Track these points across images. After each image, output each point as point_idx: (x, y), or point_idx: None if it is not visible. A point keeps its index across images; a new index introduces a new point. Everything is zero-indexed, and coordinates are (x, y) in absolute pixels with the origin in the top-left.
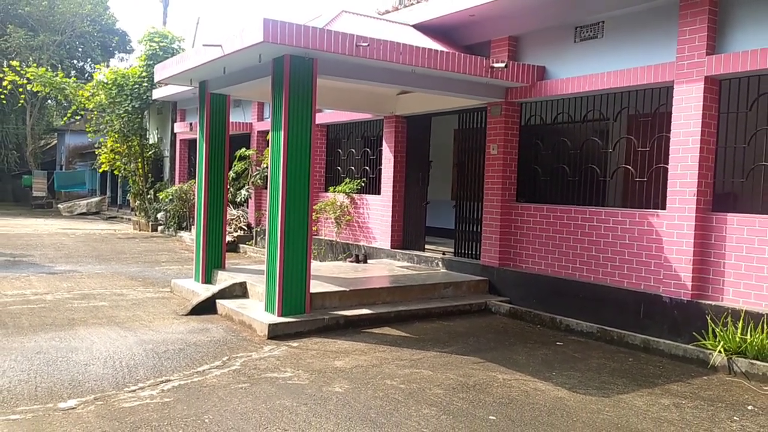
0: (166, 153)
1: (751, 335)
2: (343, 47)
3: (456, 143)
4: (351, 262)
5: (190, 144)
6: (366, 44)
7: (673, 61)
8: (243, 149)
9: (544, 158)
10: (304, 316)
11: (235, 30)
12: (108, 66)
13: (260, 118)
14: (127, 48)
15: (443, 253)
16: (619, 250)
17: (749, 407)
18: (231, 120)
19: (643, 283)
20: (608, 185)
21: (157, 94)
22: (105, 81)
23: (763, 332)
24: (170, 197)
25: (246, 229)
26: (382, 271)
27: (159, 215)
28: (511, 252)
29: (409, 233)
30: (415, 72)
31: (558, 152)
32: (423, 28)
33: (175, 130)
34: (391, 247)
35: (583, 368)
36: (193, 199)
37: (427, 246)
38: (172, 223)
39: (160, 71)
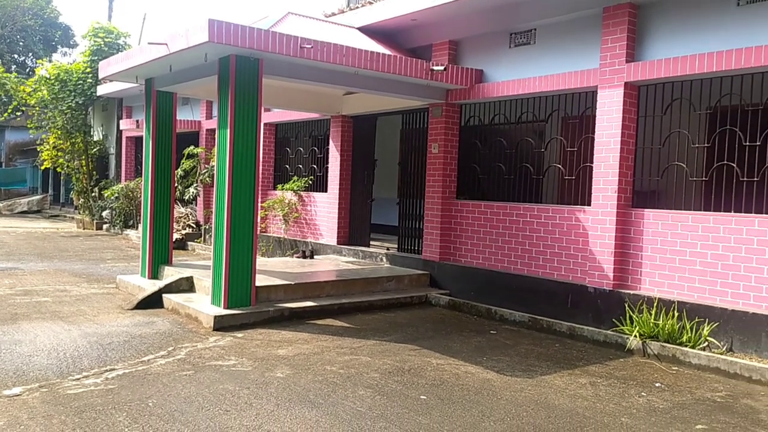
0: (112, 150)
1: (663, 320)
2: (288, 48)
3: (401, 143)
4: (298, 257)
5: (137, 141)
6: (310, 46)
7: (597, 67)
8: (191, 147)
9: (482, 157)
10: (250, 308)
11: (180, 29)
12: (51, 61)
13: (209, 116)
14: (71, 43)
15: (387, 249)
16: (550, 244)
17: (657, 384)
18: (179, 118)
19: (571, 275)
20: (542, 183)
21: (102, 90)
22: (47, 76)
23: (673, 317)
24: (116, 195)
25: (195, 226)
26: (328, 266)
27: (104, 213)
28: (451, 247)
29: (354, 230)
30: (359, 74)
31: (495, 151)
32: (368, 31)
33: (121, 127)
34: (338, 243)
35: (513, 354)
36: (140, 196)
37: (372, 242)
38: (117, 222)
39: (105, 68)
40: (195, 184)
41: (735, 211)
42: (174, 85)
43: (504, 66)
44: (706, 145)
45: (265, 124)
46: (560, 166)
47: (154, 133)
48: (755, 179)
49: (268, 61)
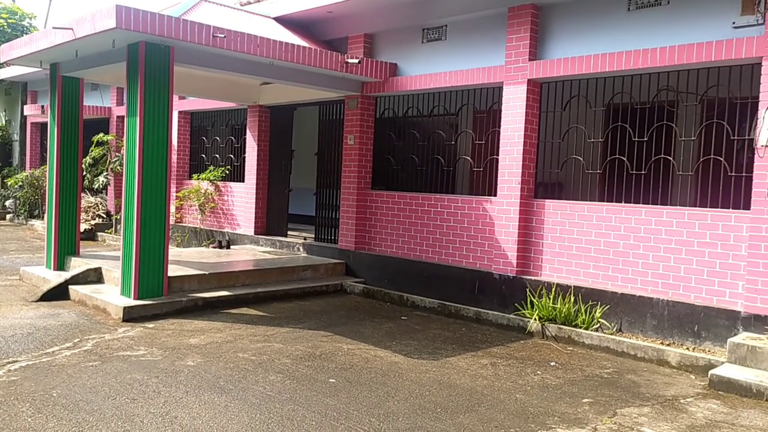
0: (16, 137)
1: (560, 304)
2: (200, 37)
3: (318, 133)
4: (214, 247)
5: (43, 127)
6: (223, 35)
7: (503, 64)
8: (101, 134)
9: (397, 149)
10: (162, 298)
11: (87, 13)
12: None
13: (120, 102)
14: None
15: (305, 239)
16: (459, 233)
17: (552, 363)
18: (88, 104)
19: (478, 263)
20: (455, 174)
21: (5, 73)
22: None
23: (570, 301)
24: (20, 183)
25: (105, 216)
26: (245, 255)
27: (7, 203)
28: (366, 236)
29: (272, 220)
30: (274, 64)
31: (409, 143)
32: (284, 21)
33: (25, 113)
34: (255, 233)
35: (421, 338)
36: (46, 185)
37: (290, 232)
38: (22, 211)
39: (7, 51)
40: (105, 173)
41: (625, 202)
42: (81, 71)
43: (417, 60)
44: (600, 140)
45: (179, 113)
46: (469, 158)
47: (59, 120)
48: (643, 172)
49: (179, 49)
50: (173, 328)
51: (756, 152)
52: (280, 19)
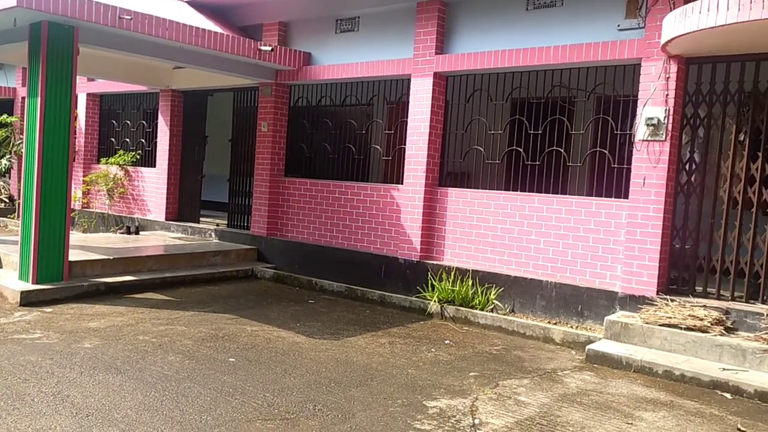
0: None
1: (458, 287)
2: (105, 18)
3: (233, 120)
4: (122, 233)
5: None
6: (130, 17)
7: (411, 57)
8: (5, 116)
9: (310, 137)
10: (62, 283)
11: None
12: None
13: (26, 83)
14: None
15: (217, 225)
16: (368, 219)
17: (446, 342)
18: None
19: (385, 248)
20: (367, 163)
21: None
22: None
23: (468, 284)
24: None
25: (8, 201)
26: (154, 241)
27: None
28: (278, 222)
29: (184, 206)
30: (184, 48)
31: (322, 132)
32: (197, 5)
33: None
34: (166, 219)
35: (325, 320)
36: None
37: (202, 218)
38: None
39: None
40: (8, 156)
41: (521, 191)
42: None
43: (330, 50)
44: (500, 132)
45: (88, 95)
46: (379, 147)
47: None
48: (537, 163)
49: (84, 29)
50: (72, 312)
51: (634, 146)
52: (194, 3)
